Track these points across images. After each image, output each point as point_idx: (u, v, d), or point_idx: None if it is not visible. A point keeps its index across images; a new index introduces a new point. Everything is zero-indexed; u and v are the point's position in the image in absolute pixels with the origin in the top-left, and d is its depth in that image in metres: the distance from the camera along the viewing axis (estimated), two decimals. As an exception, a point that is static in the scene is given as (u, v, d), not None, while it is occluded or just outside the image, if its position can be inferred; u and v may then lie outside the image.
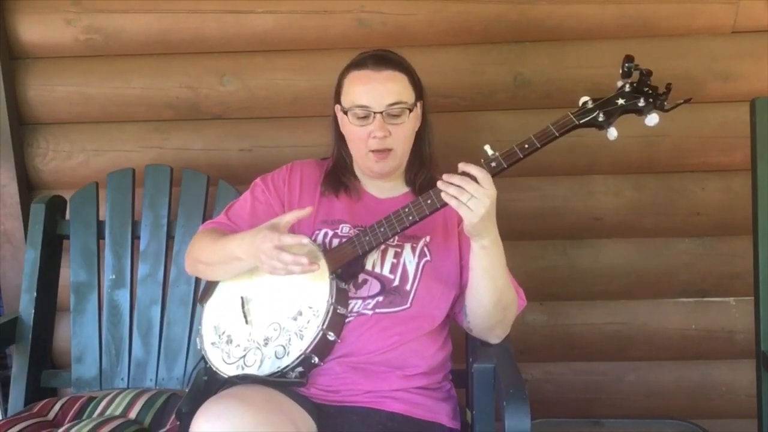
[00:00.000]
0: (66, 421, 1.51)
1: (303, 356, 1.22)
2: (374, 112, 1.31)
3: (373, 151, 1.34)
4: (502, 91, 1.86)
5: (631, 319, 1.96)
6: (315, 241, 1.35)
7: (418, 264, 1.34)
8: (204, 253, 1.37)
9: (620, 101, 1.23)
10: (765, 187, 1.59)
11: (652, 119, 1.22)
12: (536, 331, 1.97)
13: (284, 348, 1.24)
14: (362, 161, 1.39)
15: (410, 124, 1.36)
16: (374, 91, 1.31)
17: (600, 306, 1.97)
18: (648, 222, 1.91)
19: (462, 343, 1.52)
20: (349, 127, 1.36)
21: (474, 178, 1.15)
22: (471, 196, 1.15)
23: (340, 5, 1.82)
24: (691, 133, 1.83)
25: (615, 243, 1.94)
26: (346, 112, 1.35)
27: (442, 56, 1.85)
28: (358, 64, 1.36)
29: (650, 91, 1.22)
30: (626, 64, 1.23)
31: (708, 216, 1.90)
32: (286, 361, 1.22)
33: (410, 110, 1.34)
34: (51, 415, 1.53)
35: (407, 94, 1.34)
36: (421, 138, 1.43)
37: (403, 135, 1.35)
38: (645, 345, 1.96)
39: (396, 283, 1.32)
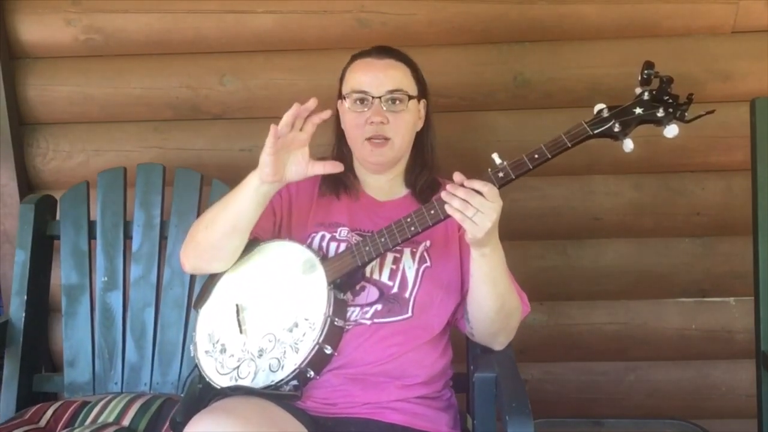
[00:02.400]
0: (59, 427, 1.49)
1: (298, 370, 1.17)
2: (373, 97, 1.30)
3: (369, 139, 1.32)
4: (502, 91, 1.86)
5: (631, 319, 1.96)
6: (311, 244, 1.32)
7: (417, 270, 1.31)
8: (205, 216, 1.30)
9: (638, 110, 1.15)
10: (765, 187, 1.59)
11: (672, 131, 1.15)
12: (536, 331, 1.96)
13: (279, 361, 1.19)
14: (359, 151, 1.36)
15: (410, 115, 1.34)
16: (374, 77, 1.31)
17: (600, 306, 1.97)
18: (648, 222, 1.91)
19: (463, 346, 1.51)
20: (347, 115, 1.34)
21: (479, 192, 1.11)
22: (476, 210, 1.10)
23: (340, 5, 1.82)
24: (691, 133, 1.80)
25: (615, 243, 1.94)
26: (346, 97, 1.34)
27: (442, 56, 1.85)
28: (361, 53, 1.38)
29: (671, 101, 1.14)
30: (645, 71, 1.15)
31: (708, 216, 1.90)
32: (280, 375, 1.18)
33: (410, 98, 1.33)
34: (43, 422, 1.50)
35: (408, 84, 1.34)
36: (423, 140, 1.41)
37: (402, 124, 1.33)
38: (645, 345, 1.96)
39: (395, 290, 1.29)
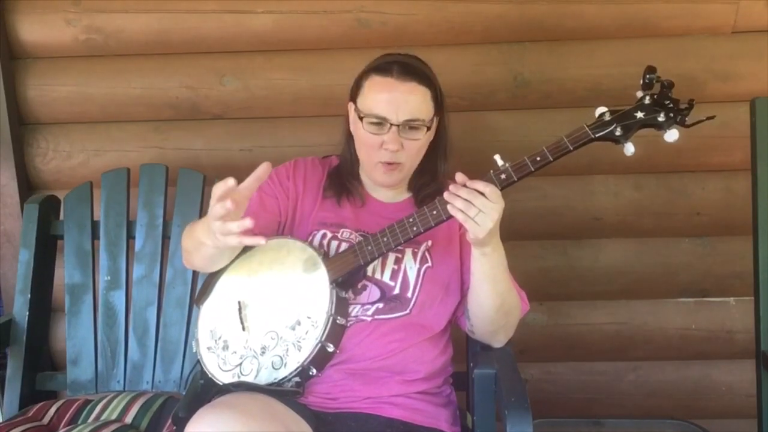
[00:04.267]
0: (61, 425, 1.50)
1: (301, 368, 1.19)
2: (391, 124, 1.27)
3: (382, 162, 1.31)
4: (502, 91, 1.86)
5: (631, 319, 1.96)
6: (312, 241, 1.33)
7: (419, 270, 1.32)
8: (184, 241, 1.32)
9: (639, 114, 1.16)
10: (765, 187, 1.59)
11: (672, 135, 1.17)
12: (536, 331, 1.96)
13: (281, 359, 1.21)
14: (370, 170, 1.36)
15: (424, 140, 1.33)
16: (394, 102, 1.26)
17: (600, 306, 1.97)
18: (648, 222, 1.91)
19: (463, 345, 1.52)
20: (361, 132, 1.31)
21: (481, 193, 1.12)
22: (479, 211, 1.12)
23: (340, 5, 1.82)
24: (691, 133, 1.81)
25: (615, 243, 1.94)
26: (361, 118, 1.30)
27: (442, 56, 1.84)
28: (382, 69, 1.30)
29: (671, 105, 1.16)
30: (647, 75, 1.17)
31: (708, 216, 1.90)
32: (283, 373, 1.19)
33: (428, 128, 1.31)
34: (46, 420, 1.51)
35: (426, 110, 1.30)
36: (435, 151, 1.39)
37: (415, 150, 1.32)
38: (645, 345, 1.96)
39: (396, 291, 1.31)
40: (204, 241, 1.19)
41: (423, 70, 1.32)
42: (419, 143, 1.32)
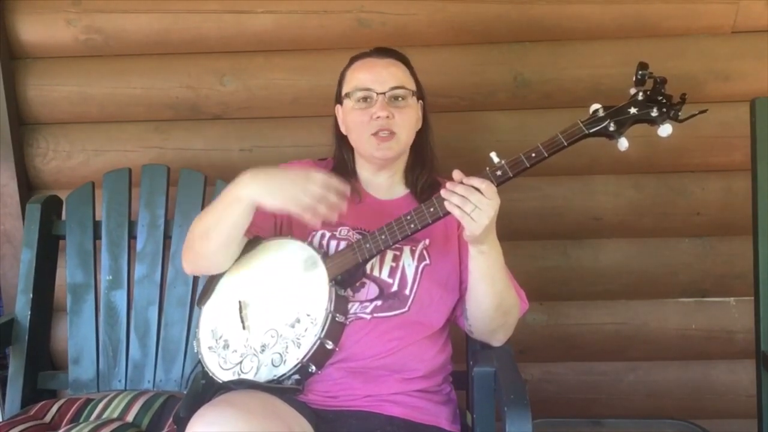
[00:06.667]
0: (63, 423, 1.50)
1: (300, 365, 1.19)
2: (377, 93, 1.32)
3: (374, 134, 1.33)
4: (502, 91, 1.86)
5: (631, 319, 1.96)
6: (311, 242, 1.34)
7: (417, 268, 1.33)
8: (199, 224, 1.31)
9: (632, 110, 1.18)
10: (765, 187, 1.59)
11: (666, 130, 1.19)
12: (536, 331, 1.97)
13: (281, 356, 1.21)
14: (364, 148, 1.37)
15: (413, 111, 1.37)
16: (377, 74, 1.34)
17: (600, 306, 1.97)
18: (648, 222, 1.91)
19: (463, 344, 1.52)
20: (351, 114, 1.35)
21: (477, 189, 1.14)
22: (475, 207, 1.13)
23: (340, 5, 1.82)
24: (691, 133, 1.82)
25: (615, 243, 1.94)
26: (349, 96, 1.35)
27: (442, 56, 1.85)
28: (360, 55, 1.40)
29: (664, 101, 1.18)
30: (640, 72, 1.19)
31: (708, 216, 1.90)
32: (282, 370, 1.20)
33: (412, 93, 1.36)
34: (48, 418, 1.52)
35: (408, 82, 1.37)
36: (422, 140, 1.43)
37: (406, 119, 1.35)
38: (645, 345, 1.96)
39: (394, 288, 1.31)
40: (241, 193, 1.21)
41: (400, 53, 1.40)
42: (408, 112, 1.35)
